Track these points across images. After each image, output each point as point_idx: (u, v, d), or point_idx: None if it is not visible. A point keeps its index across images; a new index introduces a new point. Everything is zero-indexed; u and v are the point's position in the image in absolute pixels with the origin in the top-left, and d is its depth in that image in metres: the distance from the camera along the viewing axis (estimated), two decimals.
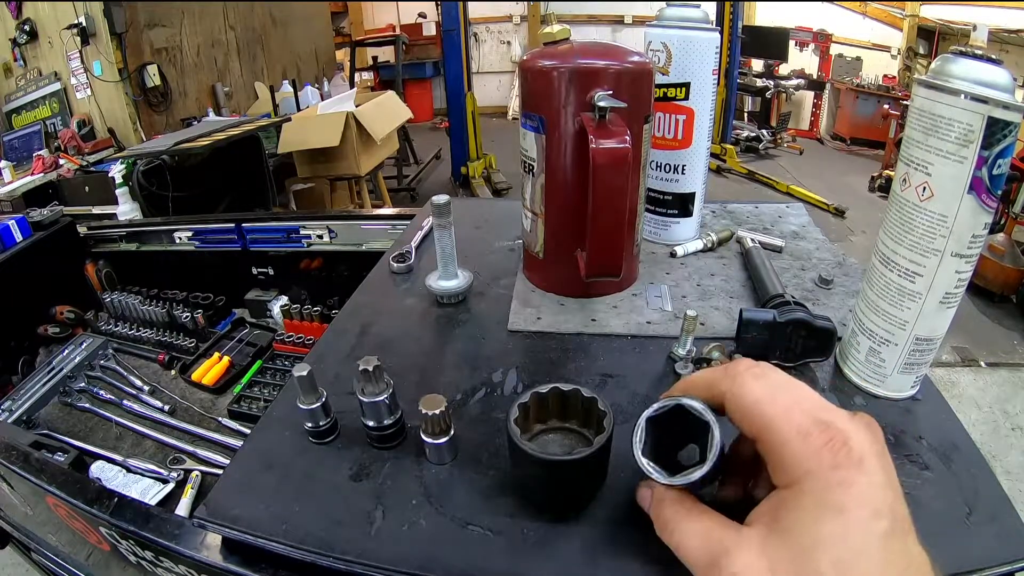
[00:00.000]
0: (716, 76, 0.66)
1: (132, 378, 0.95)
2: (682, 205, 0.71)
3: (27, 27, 3.04)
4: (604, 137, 0.47)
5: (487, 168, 4.43)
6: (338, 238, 1.17)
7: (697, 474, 0.29)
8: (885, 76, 5.76)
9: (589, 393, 0.37)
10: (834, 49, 6.14)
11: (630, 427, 0.44)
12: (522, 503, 0.38)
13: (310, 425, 0.43)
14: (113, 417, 0.86)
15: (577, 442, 0.39)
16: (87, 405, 0.89)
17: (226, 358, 0.97)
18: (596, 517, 0.37)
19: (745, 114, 6.05)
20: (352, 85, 4.57)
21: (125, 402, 0.89)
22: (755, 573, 0.24)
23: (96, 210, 2.09)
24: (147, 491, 0.73)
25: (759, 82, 5.76)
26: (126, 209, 1.86)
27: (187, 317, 1.06)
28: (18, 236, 1.10)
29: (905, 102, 4.42)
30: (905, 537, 0.24)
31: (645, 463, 0.31)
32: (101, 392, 0.92)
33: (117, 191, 1.87)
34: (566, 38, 0.56)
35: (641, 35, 0.67)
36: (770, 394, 0.27)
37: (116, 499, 0.52)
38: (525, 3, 6.94)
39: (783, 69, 5.99)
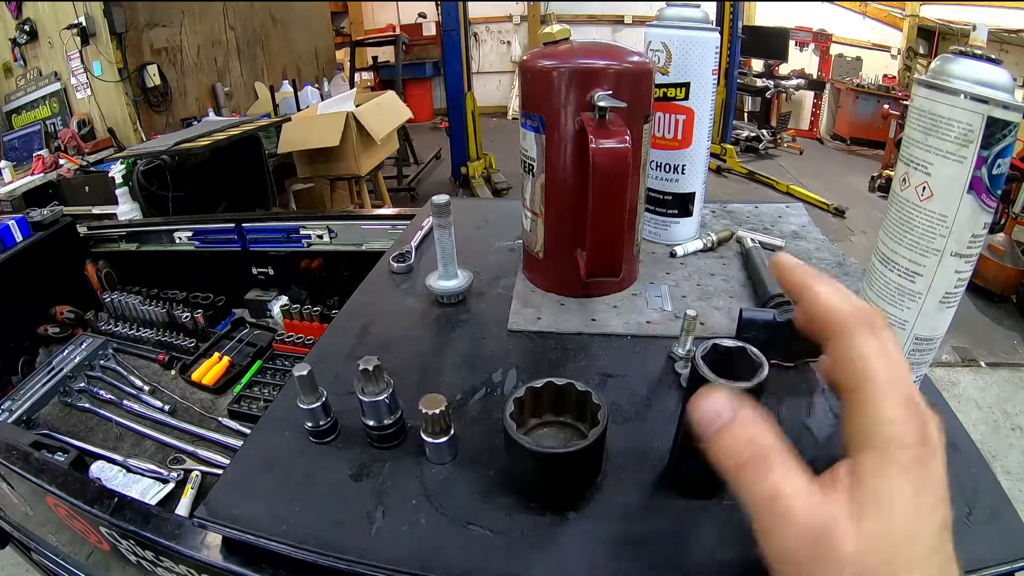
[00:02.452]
0: (716, 76, 0.66)
1: (132, 378, 0.95)
2: (682, 205, 0.71)
3: (27, 27, 3.03)
4: (604, 137, 0.47)
5: (487, 168, 4.42)
6: (338, 238, 1.18)
7: (760, 377, 0.30)
8: (885, 76, 5.77)
9: (583, 387, 0.38)
10: (834, 49, 6.14)
11: (629, 426, 0.44)
12: (522, 502, 0.38)
13: (310, 425, 0.43)
14: (113, 417, 0.86)
15: (572, 436, 0.39)
16: (87, 405, 0.89)
17: (226, 358, 0.97)
18: (596, 516, 0.37)
19: (745, 114, 6.05)
20: (352, 85, 4.57)
21: (125, 402, 0.89)
22: (859, 556, 0.23)
23: (96, 210, 2.10)
24: (147, 491, 0.73)
25: (759, 82, 5.76)
26: (126, 209, 1.86)
27: (187, 317, 1.06)
28: (18, 236, 1.10)
29: (905, 102, 4.42)
30: (949, 536, 0.24)
31: (705, 368, 0.31)
32: (101, 392, 0.92)
33: (117, 191, 1.87)
34: (566, 38, 0.56)
35: (641, 35, 0.67)
36: (882, 349, 0.26)
37: (116, 499, 0.52)
38: (525, 3, 6.94)
39: (783, 69, 5.99)
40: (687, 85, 0.65)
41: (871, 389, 0.25)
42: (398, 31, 5.53)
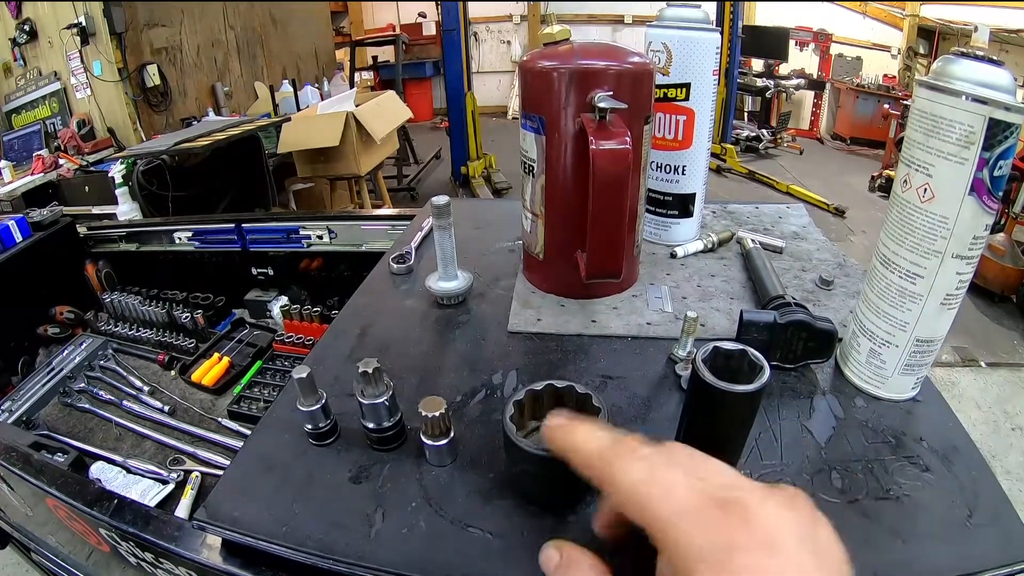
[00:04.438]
0: (716, 76, 0.66)
1: (132, 378, 0.95)
2: (682, 206, 0.71)
3: (27, 27, 3.03)
4: (604, 138, 0.47)
5: (487, 168, 4.42)
6: (338, 238, 1.17)
7: (761, 380, 0.30)
8: (885, 76, 5.77)
9: (583, 390, 0.38)
10: (834, 49, 6.14)
11: (629, 427, 0.44)
12: (522, 505, 0.38)
13: (310, 427, 0.43)
14: (113, 418, 0.86)
15: None
16: (87, 406, 0.89)
17: (226, 359, 0.97)
18: None
19: (745, 114, 6.04)
20: (352, 85, 4.57)
21: (125, 403, 0.89)
22: None
23: (96, 210, 2.09)
24: (147, 492, 0.73)
25: (759, 82, 5.76)
26: (126, 209, 1.86)
27: (187, 317, 1.06)
28: (18, 236, 1.10)
29: (905, 102, 4.42)
30: None
31: (706, 371, 0.31)
32: (101, 392, 0.92)
33: (117, 191, 1.87)
34: (566, 38, 0.56)
35: (641, 35, 0.67)
36: (650, 473, 0.23)
37: (116, 500, 0.52)
38: (525, 3, 6.93)
39: (783, 69, 5.99)
40: (687, 85, 0.65)
41: (650, 515, 0.22)
42: (398, 31, 5.53)
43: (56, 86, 3.14)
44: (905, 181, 0.40)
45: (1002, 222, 2.72)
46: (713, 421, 0.33)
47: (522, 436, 0.36)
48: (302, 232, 1.18)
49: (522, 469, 0.36)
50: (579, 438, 0.28)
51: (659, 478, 0.23)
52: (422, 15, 6.80)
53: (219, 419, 0.85)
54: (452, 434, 0.41)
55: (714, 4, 4.39)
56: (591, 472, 0.26)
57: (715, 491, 0.22)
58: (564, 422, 0.30)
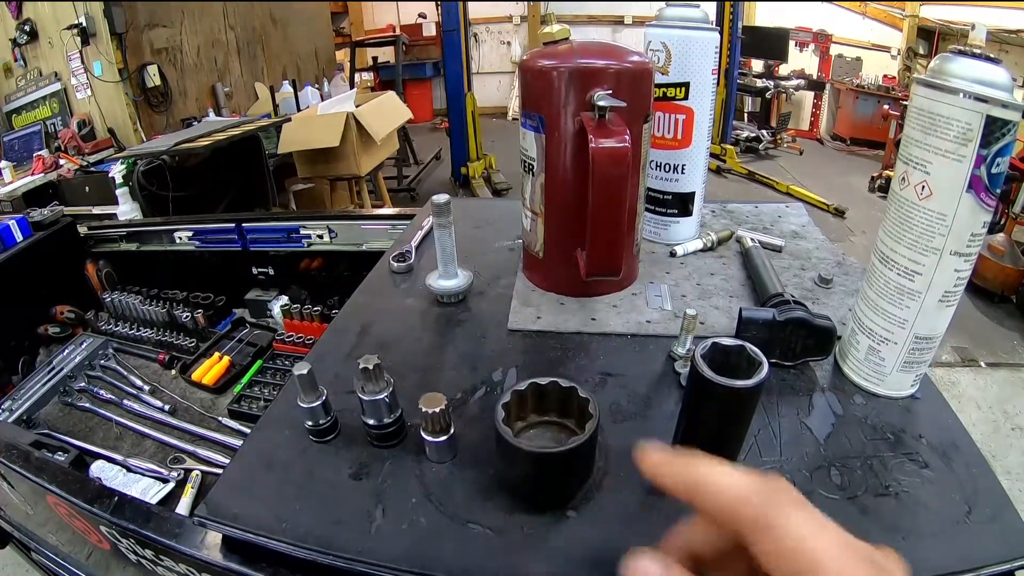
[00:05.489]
0: (716, 76, 0.67)
1: (132, 378, 0.95)
2: (682, 205, 0.71)
3: (27, 27, 3.03)
4: (604, 137, 0.47)
5: (487, 168, 4.42)
6: (338, 238, 1.18)
7: (759, 376, 0.31)
8: (885, 76, 5.77)
9: (567, 384, 0.38)
10: (834, 49, 6.14)
11: (629, 424, 0.44)
12: (522, 501, 0.38)
13: (310, 424, 0.43)
14: (113, 417, 0.86)
15: (558, 432, 0.39)
16: (87, 405, 0.89)
17: (226, 358, 0.97)
18: (596, 514, 0.37)
19: (745, 114, 6.05)
20: (352, 85, 4.57)
21: (125, 402, 0.89)
22: None
23: (96, 210, 2.09)
24: (147, 490, 0.73)
25: (759, 82, 5.76)
26: (126, 209, 1.86)
27: (187, 317, 1.06)
28: (18, 236, 1.10)
29: (905, 102, 4.42)
30: None
31: (705, 367, 0.32)
32: (101, 392, 0.92)
33: (117, 191, 1.87)
34: (566, 38, 0.57)
35: (641, 35, 0.67)
36: (818, 527, 0.22)
37: (116, 498, 0.52)
38: (525, 3, 6.93)
39: (783, 69, 5.99)
40: (687, 85, 0.65)
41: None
42: (398, 31, 5.53)
43: (56, 86, 3.14)
44: (903, 179, 0.40)
45: (1002, 222, 2.72)
46: (712, 416, 0.34)
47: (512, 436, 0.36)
48: (302, 232, 1.18)
49: (519, 470, 0.36)
50: (717, 477, 0.24)
51: (829, 534, 0.22)
52: (422, 16, 6.80)
53: (219, 418, 0.85)
54: (452, 431, 0.41)
55: (714, 4, 4.39)
56: (737, 517, 0.23)
57: (871, 554, 0.22)
58: (676, 456, 0.26)
